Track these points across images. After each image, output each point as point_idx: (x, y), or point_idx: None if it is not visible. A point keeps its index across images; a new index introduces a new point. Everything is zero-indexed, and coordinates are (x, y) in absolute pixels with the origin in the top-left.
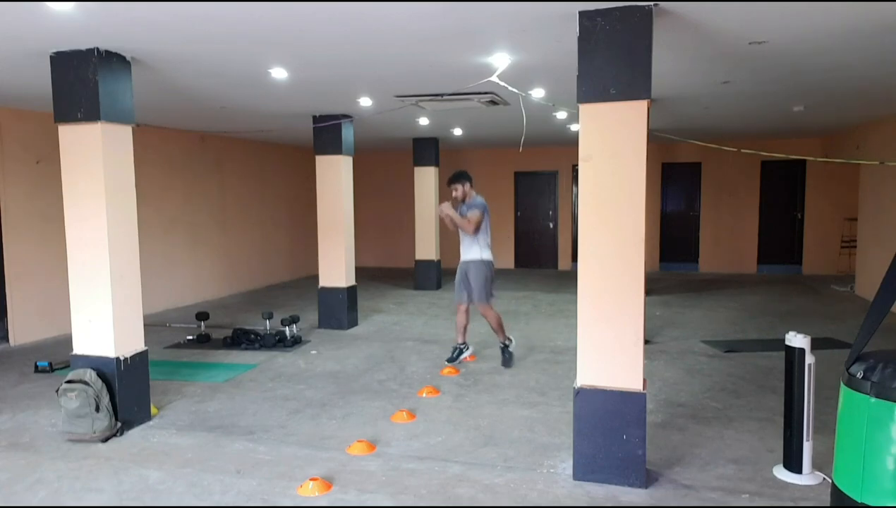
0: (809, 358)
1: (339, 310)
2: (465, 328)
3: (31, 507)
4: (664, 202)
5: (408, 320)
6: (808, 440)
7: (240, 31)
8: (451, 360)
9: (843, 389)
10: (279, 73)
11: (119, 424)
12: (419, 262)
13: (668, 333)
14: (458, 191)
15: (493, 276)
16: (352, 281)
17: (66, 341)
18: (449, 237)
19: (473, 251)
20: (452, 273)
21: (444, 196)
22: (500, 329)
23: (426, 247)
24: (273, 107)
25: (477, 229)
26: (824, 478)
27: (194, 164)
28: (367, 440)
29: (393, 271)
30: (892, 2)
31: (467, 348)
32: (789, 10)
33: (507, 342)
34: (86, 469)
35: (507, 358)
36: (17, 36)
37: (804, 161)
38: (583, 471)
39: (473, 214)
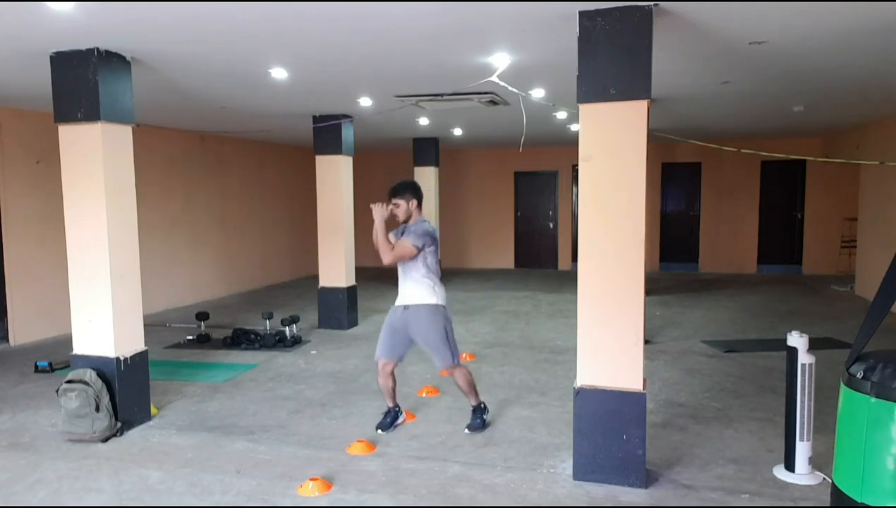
0: (806, 358)
1: (339, 310)
2: (393, 390)
3: (31, 507)
4: (664, 202)
5: None
6: (802, 439)
7: (240, 31)
8: (383, 428)
9: (843, 389)
10: (279, 73)
11: (119, 424)
12: None
13: (668, 333)
14: (401, 207)
15: (451, 325)
16: (352, 281)
17: (66, 341)
18: (449, 236)
19: (421, 291)
20: (452, 273)
21: (443, 197)
22: (471, 390)
23: None
24: (273, 107)
25: (400, 258)
26: (824, 478)
27: (194, 164)
28: (367, 440)
29: (393, 271)
30: (893, 1)
31: (401, 411)
32: (789, 10)
33: (481, 405)
34: (86, 469)
35: (476, 423)
36: (17, 36)
37: (804, 161)
38: (583, 471)
39: (402, 241)
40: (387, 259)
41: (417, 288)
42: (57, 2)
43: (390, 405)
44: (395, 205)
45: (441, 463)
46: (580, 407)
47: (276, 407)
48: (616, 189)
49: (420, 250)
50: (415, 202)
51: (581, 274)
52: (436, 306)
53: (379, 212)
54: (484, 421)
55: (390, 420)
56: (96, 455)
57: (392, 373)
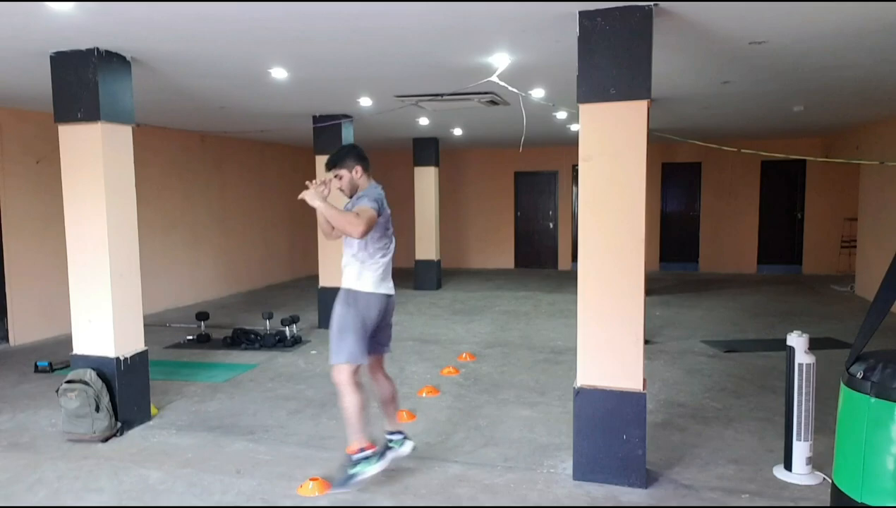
0: (804, 358)
1: None
2: (391, 401)
3: (31, 507)
4: (664, 202)
5: (408, 320)
6: (800, 439)
7: (240, 30)
8: (353, 468)
9: (843, 389)
10: (279, 73)
11: (119, 424)
12: (419, 262)
13: (668, 333)
14: (344, 179)
15: (370, 321)
16: None
17: (66, 341)
18: (449, 236)
19: (348, 272)
20: (453, 273)
21: (443, 197)
22: (350, 425)
23: (426, 247)
24: (273, 107)
25: (367, 231)
26: (824, 478)
27: (194, 165)
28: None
29: (393, 271)
30: (893, 1)
31: (402, 440)
32: (789, 10)
33: (356, 455)
34: (86, 469)
35: (343, 478)
36: (17, 36)
37: (804, 161)
38: (583, 471)
39: (360, 207)
40: (359, 229)
41: (347, 268)
42: (57, 2)
43: (390, 428)
44: (337, 177)
45: (441, 463)
46: (580, 407)
47: (276, 407)
48: (616, 189)
49: (376, 216)
50: (359, 169)
51: (581, 274)
52: (350, 292)
53: (312, 194)
54: (350, 477)
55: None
56: (96, 455)
57: (383, 375)
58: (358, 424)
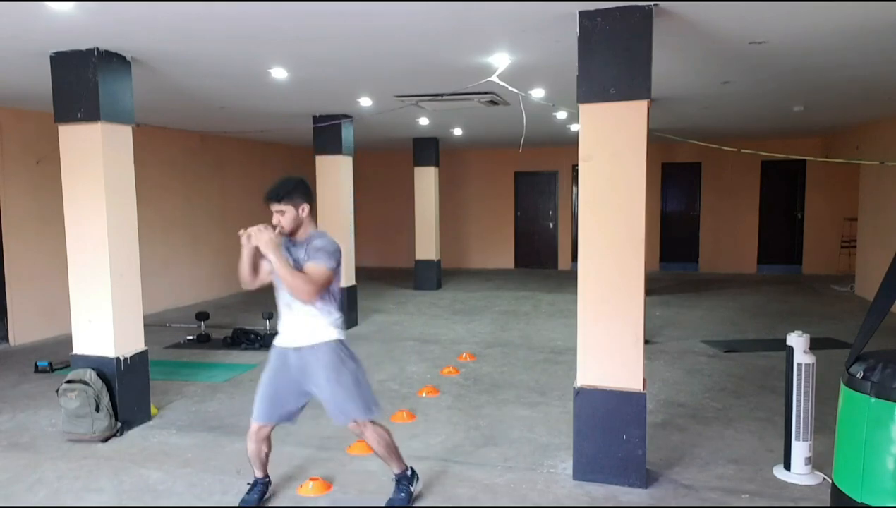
0: (802, 358)
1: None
2: (266, 457)
3: (31, 507)
4: (664, 202)
5: (408, 320)
6: (799, 439)
7: (240, 30)
8: (249, 504)
9: (843, 389)
10: (279, 73)
11: (119, 424)
12: (419, 262)
13: (668, 333)
14: (287, 214)
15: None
16: (352, 282)
17: (66, 341)
18: (449, 236)
19: (318, 325)
20: (453, 273)
21: (443, 197)
22: (391, 453)
23: (426, 247)
24: (273, 107)
25: (324, 289)
26: (824, 478)
27: (194, 165)
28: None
29: (393, 271)
30: (892, 1)
31: (270, 484)
32: (789, 10)
33: (407, 472)
34: (86, 469)
35: (400, 497)
36: (17, 36)
37: (804, 161)
38: (583, 471)
39: (316, 266)
40: (311, 296)
41: (312, 321)
42: (57, 2)
43: (258, 475)
44: (279, 212)
45: (441, 463)
46: (580, 407)
47: None
48: (616, 189)
49: (334, 275)
50: (306, 207)
51: (581, 274)
52: (339, 342)
53: (268, 240)
54: (411, 494)
55: (258, 495)
56: (96, 455)
57: (268, 437)
58: (396, 452)
